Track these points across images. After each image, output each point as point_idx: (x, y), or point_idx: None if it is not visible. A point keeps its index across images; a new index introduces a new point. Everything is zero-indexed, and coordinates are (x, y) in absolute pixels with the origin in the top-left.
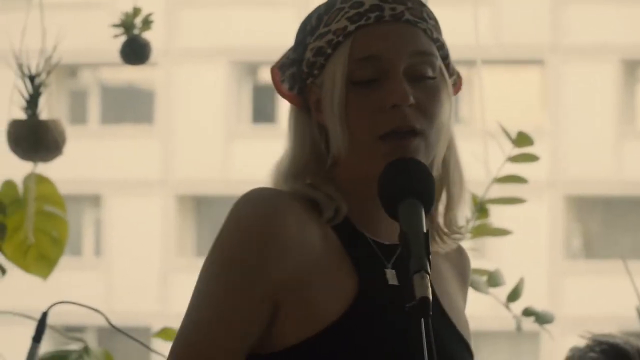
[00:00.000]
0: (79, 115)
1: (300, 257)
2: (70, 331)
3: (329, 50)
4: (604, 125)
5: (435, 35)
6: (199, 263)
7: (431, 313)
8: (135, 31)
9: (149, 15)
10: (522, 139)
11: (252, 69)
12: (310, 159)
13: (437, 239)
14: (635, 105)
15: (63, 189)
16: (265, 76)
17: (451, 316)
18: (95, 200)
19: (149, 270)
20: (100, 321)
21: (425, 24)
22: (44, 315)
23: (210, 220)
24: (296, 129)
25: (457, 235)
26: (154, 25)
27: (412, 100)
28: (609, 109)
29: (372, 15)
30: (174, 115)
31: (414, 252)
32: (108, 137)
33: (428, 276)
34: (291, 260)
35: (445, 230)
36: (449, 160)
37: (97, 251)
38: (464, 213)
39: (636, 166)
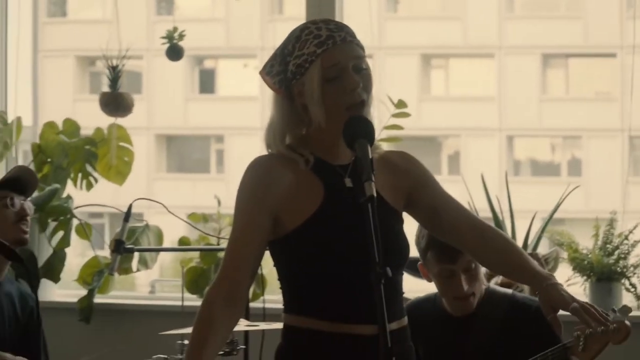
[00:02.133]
0: (96, 89)
1: (281, 186)
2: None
3: (306, 65)
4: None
5: (361, 45)
6: None
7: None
8: (175, 40)
9: (183, 31)
10: (400, 103)
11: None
12: (287, 128)
13: (375, 149)
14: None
15: (132, 133)
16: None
17: (387, 200)
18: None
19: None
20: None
21: (356, 40)
22: (130, 206)
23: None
24: (280, 110)
25: (378, 147)
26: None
27: (361, 85)
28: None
29: (330, 42)
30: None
31: (364, 168)
32: None
33: (373, 183)
34: (275, 189)
35: (377, 145)
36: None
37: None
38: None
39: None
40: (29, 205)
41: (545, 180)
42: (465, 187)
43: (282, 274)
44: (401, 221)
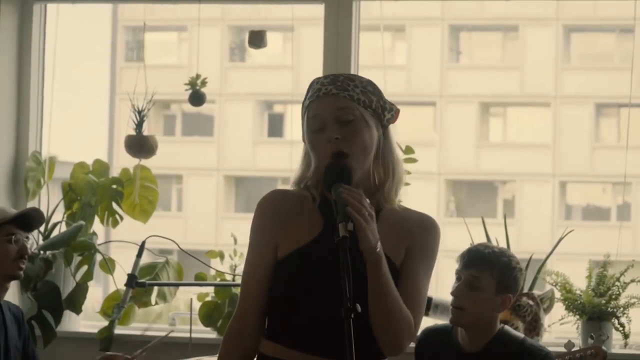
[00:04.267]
0: (170, 131)
1: (285, 216)
2: (161, 252)
3: (303, 116)
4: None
5: (357, 97)
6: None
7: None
8: (197, 87)
9: (205, 78)
10: (408, 150)
11: (268, 105)
12: (305, 170)
13: (384, 201)
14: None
15: (156, 172)
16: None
17: (386, 251)
18: (178, 178)
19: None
20: (176, 247)
21: (347, 93)
22: (143, 242)
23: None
24: (302, 157)
25: (392, 202)
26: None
27: (336, 135)
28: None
29: (315, 94)
30: (223, 130)
31: (339, 211)
32: (186, 143)
33: (347, 224)
34: (279, 219)
35: (386, 197)
36: (387, 163)
37: (179, 208)
38: (397, 191)
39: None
40: (30, 244)
41: (594, 224)
42: (505, 229)
43: (268, 299)
44: (393, 272)
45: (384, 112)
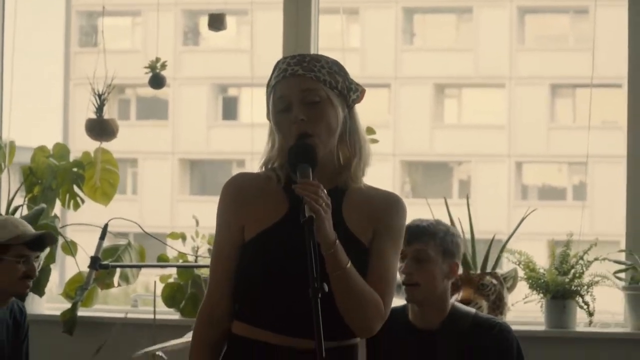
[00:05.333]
0: (124, 115)
1: (250, 199)
2: (119, 235)
3: (269, 97)
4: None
5: (322, 77)
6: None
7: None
8: (157, 70)
9: (165, 61)
10: (369, 130)
11: (223, 89)
12: (270, 151)
13: (350, 181)
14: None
15: (117, 155)
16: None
17: (348, 225)
18: (133, 162)
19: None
20: (133, 230)
21: (313, 73)
22: (106, 225)
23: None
24: (268, 138)
25: (358, 181)
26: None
27: (301, 116)
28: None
29: (281, 74)
30: (181, 116)
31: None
32: (141, 127)
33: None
34: (244, 202)
35: (352, 177)
36: (353, 142)
37: (134, 191)
38: (364, 170)
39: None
40: (38, 264)
41: (552, 204)
42: (468, 210)
43: (235, 281)
44: (362, 251)
45: (349, 92)
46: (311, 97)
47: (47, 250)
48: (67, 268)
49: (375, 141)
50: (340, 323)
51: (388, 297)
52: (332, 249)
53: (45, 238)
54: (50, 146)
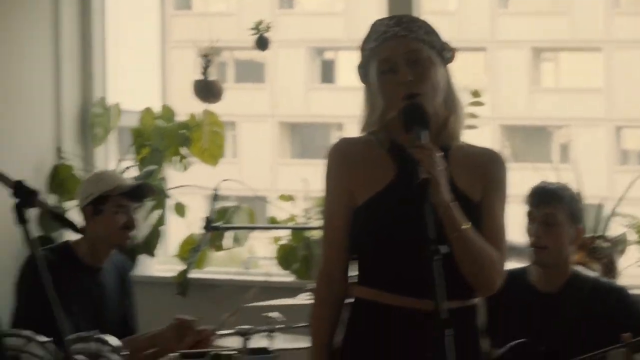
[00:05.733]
0: (222, 78)
1: (356, 164)
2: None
3: (369, 60)
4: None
5: (422, 37)
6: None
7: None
8: (262, 32)
9: (269, 22)
10: (475, 93)
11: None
12: (368, 116)
13: (451, 139)
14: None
15: (222, 118)
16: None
17: (458, 184)
18: (232, 125)
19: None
20: (234, 192)
21: (414, 34)
22: (217, 187)
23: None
24: (364, 100)
25: (457, 138)
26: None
27: (409, 77)
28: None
29: (382, 37)
30: (278, 79)
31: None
32: (239, 90)
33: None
34: (351, 168)
35: (452, 135)
36: (450, 101)
37: (234, 155)
38: (461, 126)
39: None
40: (137, 218)
41: None
42: (574, 174)
43: (352, 245)
44: (472, 208)
45: (444, 51)
46: (415, 57)
47: (154, 211)
48: (169, 230)
49: (480, 104)
50: (461, 283)
51: (502, 252)
52: (449, 211)
53: (144, 188)
54: (153, 109)
